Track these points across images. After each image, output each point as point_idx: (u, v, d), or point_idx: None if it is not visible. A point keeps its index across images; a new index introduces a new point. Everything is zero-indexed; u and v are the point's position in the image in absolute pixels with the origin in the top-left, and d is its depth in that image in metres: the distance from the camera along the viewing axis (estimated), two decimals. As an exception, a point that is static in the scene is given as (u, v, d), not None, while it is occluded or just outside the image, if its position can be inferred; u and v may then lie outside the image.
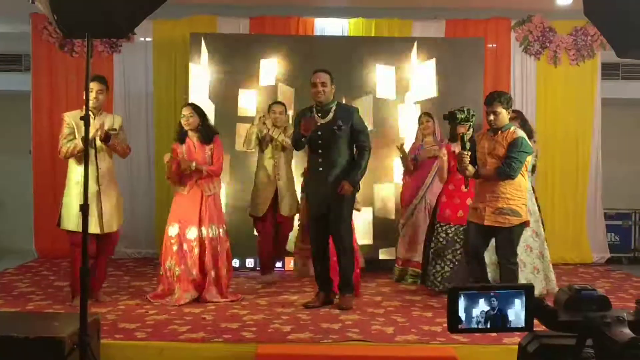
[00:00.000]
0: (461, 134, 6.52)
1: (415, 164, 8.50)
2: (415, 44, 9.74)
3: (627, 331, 1.78)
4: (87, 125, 4.93)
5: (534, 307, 1.86)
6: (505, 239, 6.42)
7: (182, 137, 7.39)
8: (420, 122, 8.59)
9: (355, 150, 7.13)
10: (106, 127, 6.94)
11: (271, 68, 9.55)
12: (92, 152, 6.86)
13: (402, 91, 9.60)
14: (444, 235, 7.67)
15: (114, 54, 10.31)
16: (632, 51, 5.67)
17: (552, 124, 10.43)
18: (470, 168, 6.45)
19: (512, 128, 6.44)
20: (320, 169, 7.04)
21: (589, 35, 10.37)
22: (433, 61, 9.61)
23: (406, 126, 9.49)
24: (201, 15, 10.28)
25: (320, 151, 7.06)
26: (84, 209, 4.82)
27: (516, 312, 1.86)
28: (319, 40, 10.18)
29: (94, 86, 6.92)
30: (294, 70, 9.31)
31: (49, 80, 10.35)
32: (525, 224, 6.49)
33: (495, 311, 1.85)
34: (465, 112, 6.87)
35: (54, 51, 10.27)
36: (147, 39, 10.34)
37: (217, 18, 10.32)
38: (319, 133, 7.02)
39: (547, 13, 10.43)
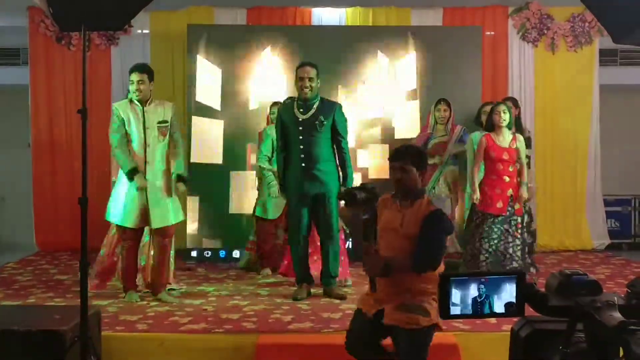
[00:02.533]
0: (365, 220, 4.59)
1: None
2: (413, 32, 9.73)
3: (616, 315, 1.78)
4: (84, 118, 4.91)
5: (525, 293, 1.87)
6: (410, 344, 4.47)
7: None
8: (437, 109, 8.58)
9: (334, 146, 7.18)
10: (155, 119, 6.87)
11: (268, 59, 9.55)
12: (142, 144, 6.85)
13: (400, 80, 9.59)
14: (488, 228, 7.68)
15: (111, 46, 10.30)
16: (628, 37, 5.67)
17: (551, 111, 10.42)
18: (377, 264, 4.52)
19: (426, 196, 4.67)
20: (303, 164, 7.02)
21: (586, 22, 10.34)
22: (431, 50, 9.60)
23: (402, 115, 9.50)
24: (198, 7, 10.26)
25: (302, 147, 7.03)
26: (83, 202, 4.79)
27: (507, 297, 1.87)
28: (317, 30, 10.18)
29: (133, 77, 6.85)
30: (292, 61, 9.27)
31: (46, 73, 10.34)
32: (436, 328, 4.54)
33: (487, 297, 1.86)
34: (368, 191, 4.71)
35: (51, 45, 10.27)
36: (145, 31, 10.32)
37: (214, 9, 10.30)
38: (300, 128, 7.02)
39: (544, 0, 10.41)
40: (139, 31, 10.27)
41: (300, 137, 7.04)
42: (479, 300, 1.86)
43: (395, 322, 4.44)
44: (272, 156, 8.09)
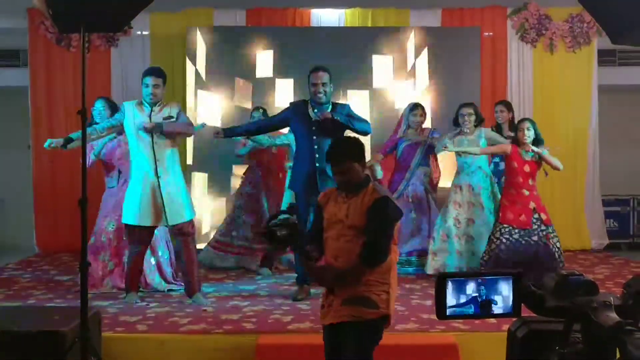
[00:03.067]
0: (309, 253, 4.26)
1: (390, 154, 8.61)
2: (412, 33, 9.75)
3: (613, 315, 1.79)
4: (84, 119, 4.92)
5: (522, 293, 1.88)
6: (353, 338, 4.16)
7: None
8: (413, 114, 8.51)
9: None
10: (160, 118, 6.89)
11: (268, 60, 9.56)
12: (149, 142, 6.84)
13: (399, 81, 9.61)
14: (508, 236, 7.66)
15: (111, 48, 10.32)
16: (626, 37, 5.68)
17: (549, 111, 10.43)
18: (328, 276, 4.26)
19: (371, 184, 4.34)
20: (317, 164, 7.02)
21: (585, 22, 10.36)
22: (430, 51, 9.61)
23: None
24: (197, 8, 10.28)
25: (316, 147, 7.04)
26: (82, 203, 4.79)
27: (504, 298, 1.88)
28: (316, 31, 10.18)
29: (148, 81, 6.86)
30: (291, 62, 9.30)
31: (46, 75, 10.36)
32: (386, 320, 4.27)
33: (483, 297, 1.86)
34: (290, 227, 4.07)
35: (51, 46, 10.28)
36: (145, 33, 10.35)
37: (213, 10, 10.33)
38: (314, 128, 7.04)
39: (543, 0, 10.42)
40: (139, 32, 10.29)
41: (314, 137, 7.05)
42: (477, 300, 1.87)
43: (339, 319, 4.17)
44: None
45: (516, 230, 7.63)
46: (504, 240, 7.62)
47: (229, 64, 9.54)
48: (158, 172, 6.83)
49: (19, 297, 7.31)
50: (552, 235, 7.75)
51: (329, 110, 7.07)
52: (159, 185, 6.83)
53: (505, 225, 7.65)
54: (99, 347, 5.13)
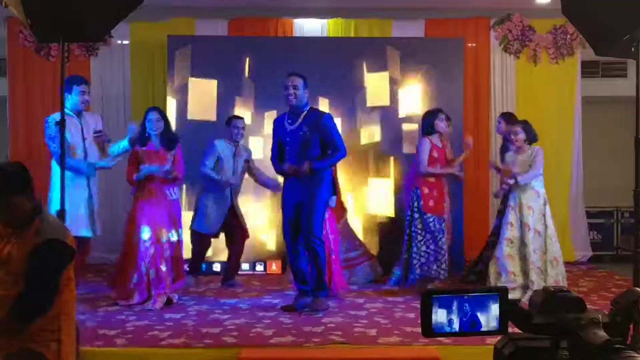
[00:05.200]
0: None
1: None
2: (395, 44, 9.72)
3: (601, 333, 1.75)
4: (62, 130, 4.88)
5: (508, 310, 1.84)
6: None
7: (144, 140, 7.39)
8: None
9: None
10: (92, 130, 7.11)
11: (250, 70, 9.50)
12: (83, 154, 6.97)
13: (382, 92, 9.57)
14: (433, 227, 7.64)
15: (91, 57, 10.24)
16: (609, 49, 5.69)
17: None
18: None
19: (37, 221, 3.65)
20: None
21: (568, 34, 10.38)
22: (413, 61, 9.58)
23: (384, 126, 9.50)
24: (179, 18, 10.23)
25: (287, 157, 7.09)
26: (61, 214, 4.75)
27: (490, 315, 1.84)
28: (298, 41, 10.15)
29: (84, 88, 7.11)
30: (273, 72, 9.23)
31: (25, 84, 10.27)
32: None
33: (469, 314, 1.83)
34: None
35: (30, 55, 10.19)
36: (125, 42, 10.28)
37: (195, 21, 10.28)
38: (288, 139, 7.06)
39: (527, 12, 10.45)
40: (119, 42, 10.24)
41: (287, 148, 7.09)
42: (468, 317, 1.83)
43: None
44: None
45: (432, 219, 7.67)
46: (428, 230, 7.66)
47: (210, 74, 9.47)
48: (90, 183, 7.09)
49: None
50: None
51: (303, 114, 7.06)
52: (90, 196, 7.09)
53: (428, 215, 7.66)
54: (77, 362, 5.06)
